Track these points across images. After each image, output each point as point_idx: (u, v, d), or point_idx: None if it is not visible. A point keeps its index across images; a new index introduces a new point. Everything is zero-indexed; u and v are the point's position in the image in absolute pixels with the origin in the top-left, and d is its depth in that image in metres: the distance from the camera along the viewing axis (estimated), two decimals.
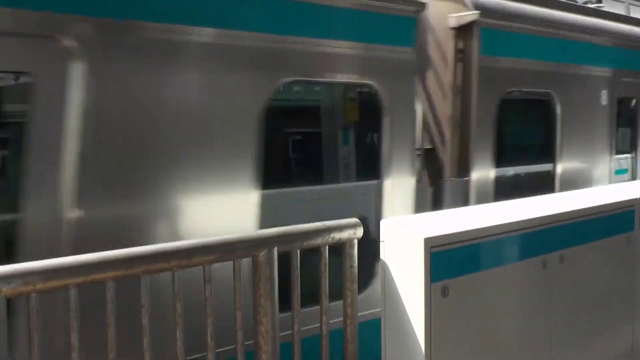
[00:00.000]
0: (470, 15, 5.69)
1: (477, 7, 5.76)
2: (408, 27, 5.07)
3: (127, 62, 3.62)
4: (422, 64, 5.57)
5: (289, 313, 3.19)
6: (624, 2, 7.92)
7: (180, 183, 3.84)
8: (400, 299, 3.28)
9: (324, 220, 3.32)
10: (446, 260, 3.28)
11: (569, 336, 4.11)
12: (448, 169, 5.78)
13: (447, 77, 5.80)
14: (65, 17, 3.39)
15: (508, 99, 6.22)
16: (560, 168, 6.78)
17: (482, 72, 5.77)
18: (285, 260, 3.17)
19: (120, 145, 3.64)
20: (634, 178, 8.01)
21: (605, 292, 4.46)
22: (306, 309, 3.36)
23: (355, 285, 3.38)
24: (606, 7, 7.90)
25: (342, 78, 4.92)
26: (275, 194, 4.42)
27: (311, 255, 3.31)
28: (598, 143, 7.33)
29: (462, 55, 5.78)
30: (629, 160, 8.07)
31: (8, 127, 3.65)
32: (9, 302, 2.43)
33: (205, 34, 3.93)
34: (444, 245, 3.28)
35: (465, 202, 5.72)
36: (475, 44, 5.72)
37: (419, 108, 5.34)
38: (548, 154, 6.81)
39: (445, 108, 5.82)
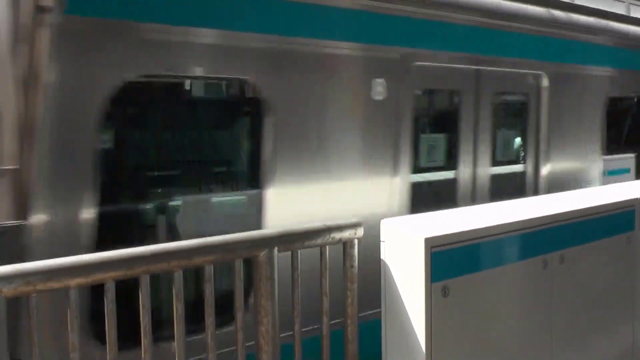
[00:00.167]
0: None
1: None
2: None
3: None
4: None
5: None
6: (624, 2, 7.88)
7: None
8: (401, 299, 3.28)
9: None
10: (446, 260, 3.28)
11: (569, 336, 4.11)
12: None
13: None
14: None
15: None
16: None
17: None
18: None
19: None
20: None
21: (605, 292, 4.46)
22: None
23: (355, 285, 3.38)
24: (606, 7, 7.74)
25: None
26: None
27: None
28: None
29: None
30: None
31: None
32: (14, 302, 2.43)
33: None
34: (444, 245, 3.28)
35: None
36: None
37: None
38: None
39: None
